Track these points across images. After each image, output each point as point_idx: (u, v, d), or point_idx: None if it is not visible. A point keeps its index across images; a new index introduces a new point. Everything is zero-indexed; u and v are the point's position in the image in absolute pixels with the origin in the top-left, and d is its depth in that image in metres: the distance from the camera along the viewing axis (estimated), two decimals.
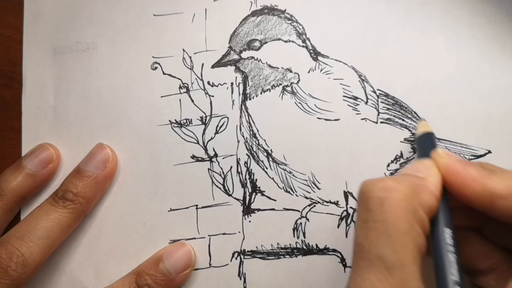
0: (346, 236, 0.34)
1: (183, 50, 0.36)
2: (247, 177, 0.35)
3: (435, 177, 0.27)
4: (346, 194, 0.34)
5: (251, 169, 0.35)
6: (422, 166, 0.28)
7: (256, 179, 0.35)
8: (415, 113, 0.34)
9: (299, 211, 0.34)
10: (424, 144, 0.31)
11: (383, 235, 0.23)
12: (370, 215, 0.24)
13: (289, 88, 0.35)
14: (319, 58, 0.35)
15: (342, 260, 0.34)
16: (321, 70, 0.35)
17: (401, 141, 0.34)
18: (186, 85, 0.36)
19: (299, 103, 0.35)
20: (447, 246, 0.25)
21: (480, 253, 0.29)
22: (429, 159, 0.28)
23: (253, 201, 0.35)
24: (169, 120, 0.36)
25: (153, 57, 0.36)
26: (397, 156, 0.34)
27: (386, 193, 0.24)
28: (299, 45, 0.35)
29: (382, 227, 0.24)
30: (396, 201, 0.24)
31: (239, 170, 0.35)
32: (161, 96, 0.36)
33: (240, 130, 0.35)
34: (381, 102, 0.34)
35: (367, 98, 0.34)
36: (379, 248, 0.23)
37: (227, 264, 0.34)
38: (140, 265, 0.34)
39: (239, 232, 0.35)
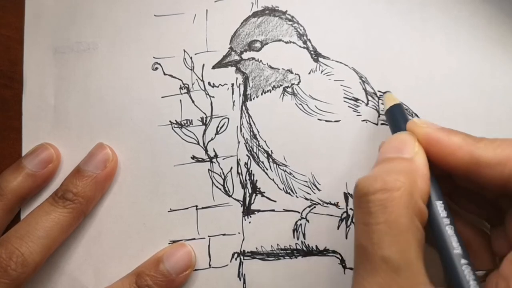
0: (346, 238, 0.34)
1: (184, 50, 0.36)
2: (247, 178, 0.35)
3: (421, 155, 0.26)
4: (347, 196, 0.34)
5: (251, 170, 0.35)
6: (403, 144, 0.27)
7: (256, 180, 0.35)
8: (415, 114, 0.34)
9: (299, 212, 0.34)
10: (396, 117, 0.30)
11: (386, 235, 0.23)
12: (371, 218, 0.24)
13: (289, 89, 0.35)
14: (320, 59, 0.35)
15: (342, 261, 0.34)
16: (322, 71, 0.35)
17: None
18: (186, 85, 0.36)
19: (300, 104, 0.35)
20: (443, 220, 0.25)
21: None
22: (405, 132, 0.28)
23: (253, 202, 0.35)
24: (170, 121, 0.36)
25: (153, 57, 0.36)
26: None
27: (387, 193, 0.24)
28: (300, 46, 0.35)
29: (385, 228, 0.23)
30: (397, 200, 0.24)
31: (239, 171, 0.35)
32: (162, 97, 0.36)
33: (241, 131, 0.35)
34: (382, 103, 0.34)
35: (368, 100, 0.34)
36: (383, 250, 0.23)
37: (227, 265, 0.34)
38: (140, 265, 0.34)
39: (239, 233, 0.35)
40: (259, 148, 0.35)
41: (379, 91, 0.34)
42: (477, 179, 0.25)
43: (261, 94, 0.35)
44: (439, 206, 0.26)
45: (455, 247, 0.24)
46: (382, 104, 0.34)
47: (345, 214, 0.34)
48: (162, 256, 0.33)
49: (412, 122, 0.28)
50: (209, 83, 0.36)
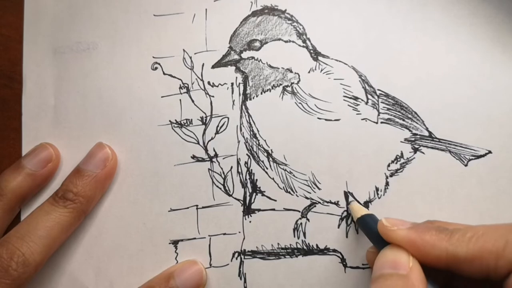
0: (347, 236, 0.34)
1: (184, 50, 0.36)
2: (248, 177, 0.35)
3: (416, 270, 0.26)
4: (347, 194, 0.34)
5: (251, 169, 0.35)
6: (398, 259, 0.26)
7: (257, 179, 0.35)
8: (415, 113, 0.34)
9: (299, 211, 0.34)
10: (369, 225, 0.30)
11: None
12: None
13: (289, 88, 0.35)
14: (320, 58, 0.35)
15: (343, 260, 0.34)
16: (322, 70, 0.35)
17: (401, 141, 0.34)
18: (186, 85, 0.36)
19: (300, 103, 0.35)
20: None
21: None
22: (398, 249, 0.27)
23: (253, 201, 0.35)
24: (170, 120, 0.36)
25: (153, 57, 0.36)
26: (398, 156, 0.34)
27: None
28: (299, 45, 0.35)
29: None
30: None
31: (240, 170, 0.35)
32: (162, 96, 0.36)
33: (241, 130, 0.35)
34: (382, 102, 0.34)
35: (368, 98, 0.34)
36: None
37: (228, 264, 0.34)
38: (150, 280, 0.34)
39: (239, 232, 0.35)
40: (259, 147, 0.35)
41: (378, 90, 0.34)
42: (460, 273, 0.25)
43: (261, 93, 0.35)
44: None
45: None
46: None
47: (345, 213, 0.34)
48: (173, 272, 0.33)
49: (382, 226, 0.28)
50: (208, 83, 0.36)
